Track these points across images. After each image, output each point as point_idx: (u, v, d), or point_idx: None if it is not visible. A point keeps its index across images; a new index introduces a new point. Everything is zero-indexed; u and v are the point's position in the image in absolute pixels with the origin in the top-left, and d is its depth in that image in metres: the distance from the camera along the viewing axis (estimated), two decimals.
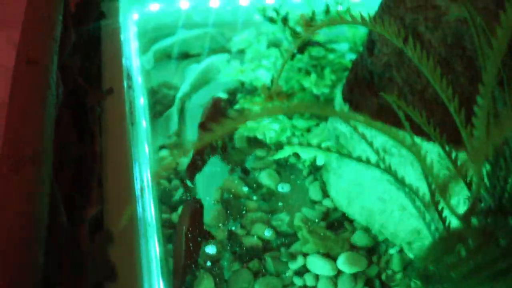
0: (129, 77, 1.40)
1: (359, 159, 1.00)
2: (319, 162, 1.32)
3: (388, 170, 1.00)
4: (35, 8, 1.21)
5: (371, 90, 1.24)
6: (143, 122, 1.40)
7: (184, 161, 1.45)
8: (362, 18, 0.92)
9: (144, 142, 1.34)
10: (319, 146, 1.26)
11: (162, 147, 1.55)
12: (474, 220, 0.88)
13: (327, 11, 1.70)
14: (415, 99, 1.17)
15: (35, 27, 1.17)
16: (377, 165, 0.98)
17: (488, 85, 0.75)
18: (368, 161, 0.99)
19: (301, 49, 1.47)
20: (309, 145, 1.24)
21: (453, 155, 0.92)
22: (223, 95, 1.66)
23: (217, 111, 1.49)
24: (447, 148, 0.93)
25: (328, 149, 1.24)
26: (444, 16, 1.09)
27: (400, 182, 1.00)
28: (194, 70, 1.72)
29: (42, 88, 1.04)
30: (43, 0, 1.23)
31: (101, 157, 1.18)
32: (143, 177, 1.24)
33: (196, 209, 1.24)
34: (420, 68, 0.87)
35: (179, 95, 1.62)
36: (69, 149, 1.12)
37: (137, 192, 1.15)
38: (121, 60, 1.42)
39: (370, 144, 1.15)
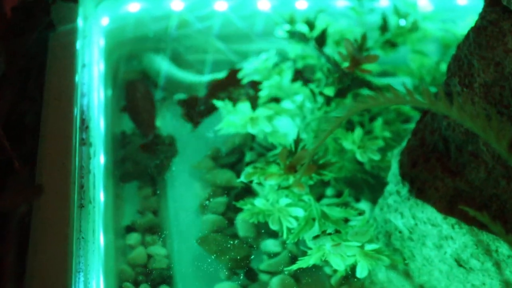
0: (85, 126, 1.23)
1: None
2: (361, 274, 1.17)
3: None
4: None
5: (445, 167, 1.16)
6: (100, 195, 1.23)
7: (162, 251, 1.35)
8: (429, 97, 0.72)
9: (98, 229, 1.19)
10: (361, 250, 1.12)
11: (129, 229, 1.41)
12: None
13: (383, 27, 1.53)
14: (511, 187, 1.07)
15: None
16: None
17: None
18: None
19: (343, 91, 1.28)
20: (346, 247, 1.10)
21: None
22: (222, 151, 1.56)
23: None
24: None
25: (375, 256, 1.10)
26: None
27: None
28: None
29: None
30: None
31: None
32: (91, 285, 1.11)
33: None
34: None
35: None
36: None
37: None
38: (72, 98, 1.24)
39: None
